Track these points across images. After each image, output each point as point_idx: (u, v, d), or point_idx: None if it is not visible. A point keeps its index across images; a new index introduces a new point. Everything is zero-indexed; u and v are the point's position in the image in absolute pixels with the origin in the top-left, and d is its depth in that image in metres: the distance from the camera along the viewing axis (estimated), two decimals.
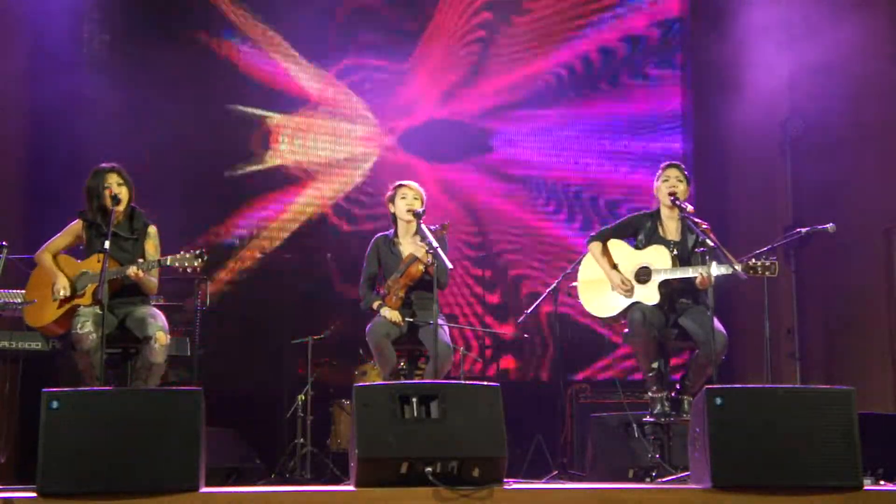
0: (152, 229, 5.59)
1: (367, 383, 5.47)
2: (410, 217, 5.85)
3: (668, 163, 5.83)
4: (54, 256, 5.53)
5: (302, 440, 7.22)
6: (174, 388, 4.29)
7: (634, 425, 5.94)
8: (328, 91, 9.28)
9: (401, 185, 6.02)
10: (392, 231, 6.09)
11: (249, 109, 9.02)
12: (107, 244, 5.14)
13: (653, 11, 9.74)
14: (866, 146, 8.26)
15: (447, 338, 5.80)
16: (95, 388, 4.91)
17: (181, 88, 8.64)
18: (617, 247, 5.76)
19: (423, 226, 5.71)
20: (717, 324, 5.34)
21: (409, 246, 5.96)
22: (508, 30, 9.55)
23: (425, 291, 5.79)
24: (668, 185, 5.68)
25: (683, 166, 5.79)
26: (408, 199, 5.95)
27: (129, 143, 7.95)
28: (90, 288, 5.33)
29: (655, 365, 5.54)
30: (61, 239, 5.58)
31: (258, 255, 8.80)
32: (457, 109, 9.46)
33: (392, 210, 6.03)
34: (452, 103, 9.45)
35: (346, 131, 9.32)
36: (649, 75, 9.72)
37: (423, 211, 5.85)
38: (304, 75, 9.22)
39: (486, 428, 4.19)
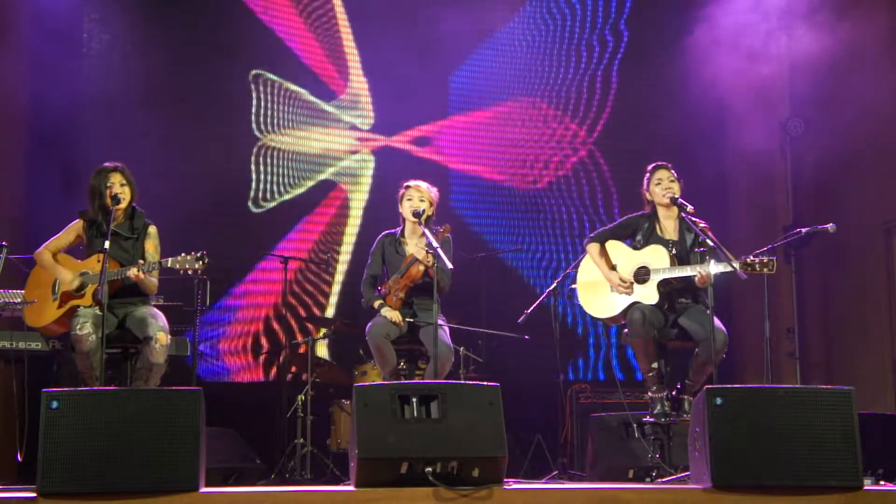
0: (152, 229, 5.59)
1: (367, 383, 5.46)
2: (415, 218, 5.85)
3: (655, 164, 5.78)
4: (54, 256, 5.53)
5: (302, 440, 7.22)
6: (174, 388, 4.26)
7: (634, 425, 5.93)
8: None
9: (409, 186, 6.01)
10: (399, 230, 6.09)
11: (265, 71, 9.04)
12: (107, 244, 5.14)
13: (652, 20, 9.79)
14: (866, 146, 8.27)
15: (447, 338, 5.80)
16: (95, 388, 4.91)
17: (184, 86, 8.68)
18: (615, 247, 5.75)
19: (425, 227, 5.71)
20: (716, 322, 5.34)
21: (414, 246, 5.96)
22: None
23: (426, 293, 5.78)
24: (663, 187, 5.67)
25: (671, 165, 5.78)
26: (413, 201, 5.94)
27: (129, 142, 7.97)
28: (90, 288, 5.33)
29: (655, 365, 5.53)
30: (62, 238, 5.57)
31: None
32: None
33: (400, 209, 6.03)
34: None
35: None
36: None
37: (424, 212, 5.85)
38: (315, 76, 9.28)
39: (486, 428, 4.18)
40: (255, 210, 8.94)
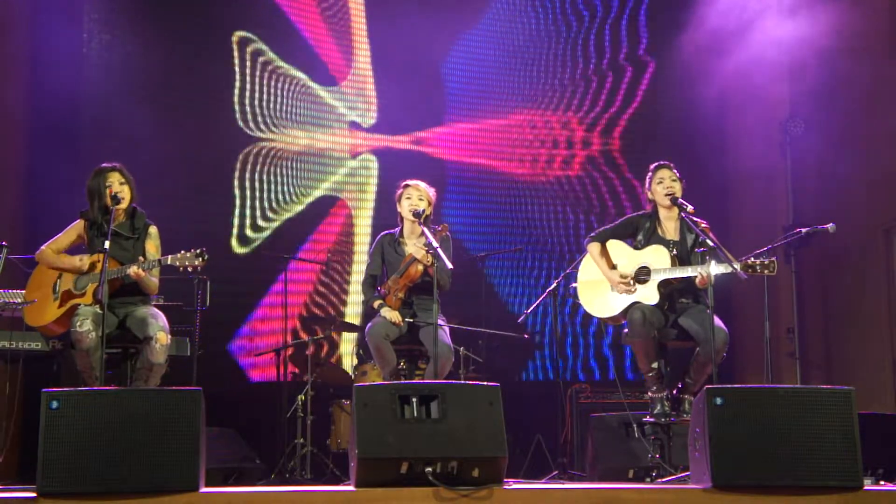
0: (153, 229, 5.59)
1: (367, 383, 5.46)
2: (414, 217, 5.85)
3: (658, 164, 5.77)
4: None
5: (302, 440, 7.23)
6: (174, 388, 4.26)
7: (634, 425, 5.93)
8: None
9: (407, 185, 6.00)
10: (398, 230, 6.08)
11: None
12: (107, 244, 5.14)
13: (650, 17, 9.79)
14: (866, 146, 8.27)
15: (447, 338, 5.79)
16: (95, 388, 4.91)
17: (186, 86, 8.69)
18: (616, 247, 5.75)
19: (424, 226, 5.71)
20: (717, 321, 5.33)
21: (413, 246, 5.95)
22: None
23: (426, 292, 5.78)
24: (664, 186, 5.66)
25: (672, 164, 5.78)
26: (412, 200, 5.93)
27: (129, 143, 7.98)
28: (90, 287, 5.33)
29: (655, 365, 5.53)
30: (63, 238, 5.58)
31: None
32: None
33: (399, 209, 6.02)
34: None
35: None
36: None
37: (424, 211, 5.84)
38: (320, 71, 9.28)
39: (486, 428, 4.18)
40: (264, 220, 8.94)
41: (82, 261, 5.42)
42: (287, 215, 9.04)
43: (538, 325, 9.19)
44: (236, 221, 8.86)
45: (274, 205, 8.98)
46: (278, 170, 9.05)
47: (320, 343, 8.32)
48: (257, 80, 9.06)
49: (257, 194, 8.95)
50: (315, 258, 8.82)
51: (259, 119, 9.02)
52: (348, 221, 9.22)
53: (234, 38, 8.98)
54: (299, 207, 9.09)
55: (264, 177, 8.99)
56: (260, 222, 8.92)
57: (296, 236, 8.96)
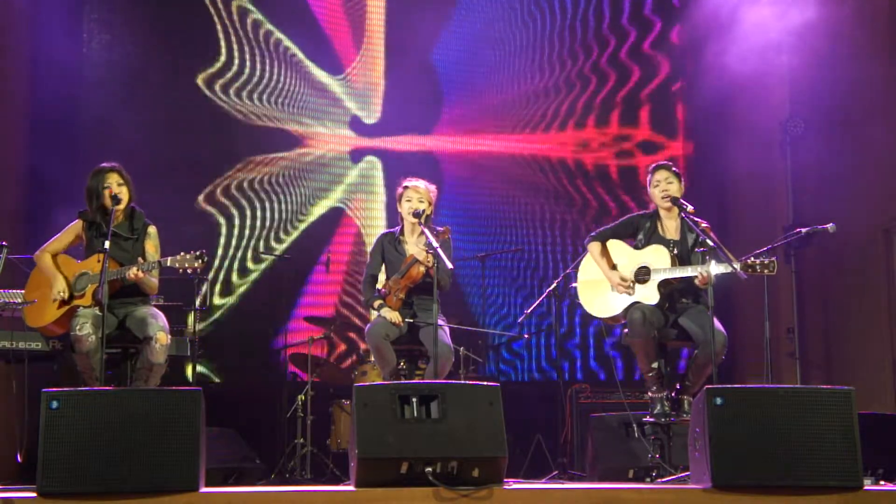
0: (152, 229, 5.59)
1: (367, 383, 5.46)
2: (415, 218, 5.85)
3: (655, 165, 5.79)
4: (54, 257, 5.53)
5: (302, 440, 7.23)
6: (174, 388, 4.26)
7: (634, 425, 5.93)
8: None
9: (407, 186, 6.00)
10: (398, 229, 6.08)
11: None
12: (107, 244, 5.14)
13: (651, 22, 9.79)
14: (866, 146, 8.26)
15: (448, 338, 5.79)
16: (95, 388, 4.91)
17: (186, 86, 8.69)
18: (616, 247, 5.76)
19: (425, 227, 5.70)
20: (716, 323, 5.34)
21: (413, 245, 5.95)
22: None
23: (426, 293, 5.78)
24: (661, 188, 5.68)
25: (671, 164, 5.78)
26: (413, 202, 5.93)
27: (129, 142, 7.98)
28: (90, 288, 5.33)
29: (655, 365, 5.53)
30: (61, 239, 5.58)
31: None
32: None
33: (399, 209, 6.02)
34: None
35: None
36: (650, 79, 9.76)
37: (424, 212, 5.84)
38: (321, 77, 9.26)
39: (486, 428, 4.18)
40: (276, 241, 8.94)
41: (63, 291, 5.40)
42: (303, 225, 9.03)
43: (534, 325, 9.19)
44: (242, 244, 8.86)
45: (280, 223, 8.97)
46: (283, 172, 9.03)
47: (321, 343, 8.31)
48: (257, 76, 9.05)
49: (261, 205, 8.94)
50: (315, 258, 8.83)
51: (259, 116, 9.01)
52: (358, 226, 9.20)
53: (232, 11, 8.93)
54: (314, 213, 9.08)
55: (273, 183, 8.97)
56: (272, 242, 8.92)
57: (306, 244, 8.95)
